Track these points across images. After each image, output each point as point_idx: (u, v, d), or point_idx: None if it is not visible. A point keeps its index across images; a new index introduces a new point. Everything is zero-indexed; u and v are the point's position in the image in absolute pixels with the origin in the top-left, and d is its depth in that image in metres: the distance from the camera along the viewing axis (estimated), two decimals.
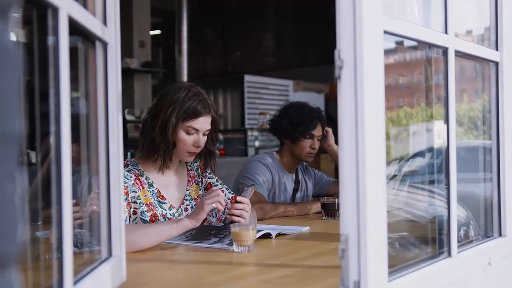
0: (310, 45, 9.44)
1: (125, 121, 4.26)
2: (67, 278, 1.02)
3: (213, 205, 2.03)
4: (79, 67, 1.34)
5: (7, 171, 0.60)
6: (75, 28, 1.14)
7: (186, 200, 2.40)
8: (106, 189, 1.39)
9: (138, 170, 2.27)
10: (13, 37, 0.64)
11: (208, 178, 2.49)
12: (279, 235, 2.22)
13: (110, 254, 1.39)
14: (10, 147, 0.61)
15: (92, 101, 1.38)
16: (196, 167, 2.49)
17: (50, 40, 1.03)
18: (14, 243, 0.61)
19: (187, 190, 2.41)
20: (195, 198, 2.42)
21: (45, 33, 1.04)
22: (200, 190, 2.45)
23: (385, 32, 1.27)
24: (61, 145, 1.02)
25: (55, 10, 1.01)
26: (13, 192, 0.61)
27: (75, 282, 1.10)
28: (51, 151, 1.07)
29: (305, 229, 2.40)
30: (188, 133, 2.25)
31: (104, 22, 1.37)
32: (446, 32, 1.54)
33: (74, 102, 1.12)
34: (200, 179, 2.47)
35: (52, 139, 1.03)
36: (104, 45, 1.37)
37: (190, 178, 2.44)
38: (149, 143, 2.26)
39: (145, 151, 2.27)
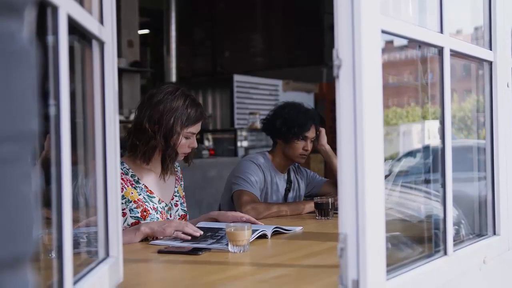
0: (300, 45, 9.46)
1: None
2: (67, 279, 1.02)
3: (174, 234, 2.09)
4: (75, 66, 1.33)
5: (24, 170, 0.60)
6: (73, 27, 1.13)
7: (176, 196, 2.48)
8: (103, 190, 1.38)
9: (122, 169, 2.29)
10: (28, 36, 0.64)
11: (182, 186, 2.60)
12: (275, 234, 2.24)
13: (107, 254, 1.38)
14: (26, 147, 0.61)
15: (89, 100, 1.37)
16: (179, 170, 2.59)
17: (49, 39, 1.03)
18: (30, 242, 0.61)
19: (175, 187, 2.50)
20: (182, 196, 2.52)
21: (43, 32, 1.03)
22: (183, 192, 2.56)
23: (383, 31, 1.28)
24: (61, 145, 1.01)
25: (55, 9, 1.00)
26: (29, 191, 0.60)
27: (75, 282, 1.09)
28: (44, 151, 1.06)
29: (299, 229, 2.40)
30: (186, 138, 2.35)
31: (101, 21, 1.36)
32: (441, 31, 1.55)
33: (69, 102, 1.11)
34: (182, 183, 2.58)
35: (51, 139, 1.03)
36: (101, 44, 1.36)
37: (177, 177, 2.54)
38: (152, 149, 2.31)
39: (147, 156, 2.29)
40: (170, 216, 2.40)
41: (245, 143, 7.64)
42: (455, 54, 1.63)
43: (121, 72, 7.62)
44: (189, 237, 2.07)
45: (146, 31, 10.61)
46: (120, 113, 7.39)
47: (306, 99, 7.86)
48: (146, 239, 2.13)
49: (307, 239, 2.26)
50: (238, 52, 10.23)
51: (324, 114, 7.30)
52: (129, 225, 2.23)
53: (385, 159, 2.19)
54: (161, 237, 2.11)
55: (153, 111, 2.29)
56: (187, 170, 2.66)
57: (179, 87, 2.40)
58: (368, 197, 1.19)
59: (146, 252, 1.95)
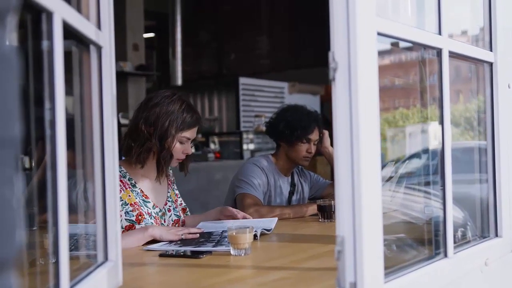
0: (305, 46, 9.44)
1: (119, 125, 4.35)
2: (63, 283, 1.02)
3: (183, 236, 2.18)
4: (73, 71, 1.34)
5: (6, 175, 0.60)
6: (69, 32, 1.14)
7: (169, 201, 2.51)
8: (102, 194, 1.39)
9: (120, 172, 2.31)
10: (10, 41, 0.65)
11: (175, 189, 2.61)
12: (262, 235, 2.27)
13: (106, 258, 1.39)
14: (9, 151, 0.61)
15: (87, 105, 1.38)
16: (171, 174, 2.61)
17: (45, 44, 1.03)
18: (13, 246, 0.62)
19: (168, 192, 2.52)
20: (175, 200, 2.54)
21: (39, 37, 1.04)
22: (175, 195, 2.58)
23: (379, 33, 1.28)
24: (56, 150, 1.02)
25: (50, 14, 1.01)
26: (11, 196, 0.61)
27: (72, 286, 1.10)
28: (46, 156, 1.07)
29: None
30: (181, 142, 2.37)
31: (98, 26, 1.37)
32: (440, 33, 1.55)
33: (68, 107, 1.11)
34: (174, 186, 2.60)
35: (47, 144, 1.03)
36: (99, 49, 1.37)
37: (169, 182, 2.56)
38: (146, 151, 2.33)
39: (141, 158, 2.31)
40: (164, 222, 2.42)
41: (251, 146, 7.65)
42: (454, 55, 1.63)
43: (126, 75, 7.62)
44: (197, 235, 2.20)
45: (151, 35, 10.63)
46: (125, 117, 7.39)
47: (312, 101, 7.86)
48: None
49: (309, 241, 2.25)
50: (243, 54, 10.23)
51: (330, 116, 7.29)
52: (123, 228, 2.24)
53: (391, 161, 2.18)
54: (165, 242, 2.12)
55: (149, 113, 2.33)
56: (193, 173, 2.66)
57: (177, 92, 2.44)
58: (365, 200, 1.19)
59: (146, 256, 1.96)
